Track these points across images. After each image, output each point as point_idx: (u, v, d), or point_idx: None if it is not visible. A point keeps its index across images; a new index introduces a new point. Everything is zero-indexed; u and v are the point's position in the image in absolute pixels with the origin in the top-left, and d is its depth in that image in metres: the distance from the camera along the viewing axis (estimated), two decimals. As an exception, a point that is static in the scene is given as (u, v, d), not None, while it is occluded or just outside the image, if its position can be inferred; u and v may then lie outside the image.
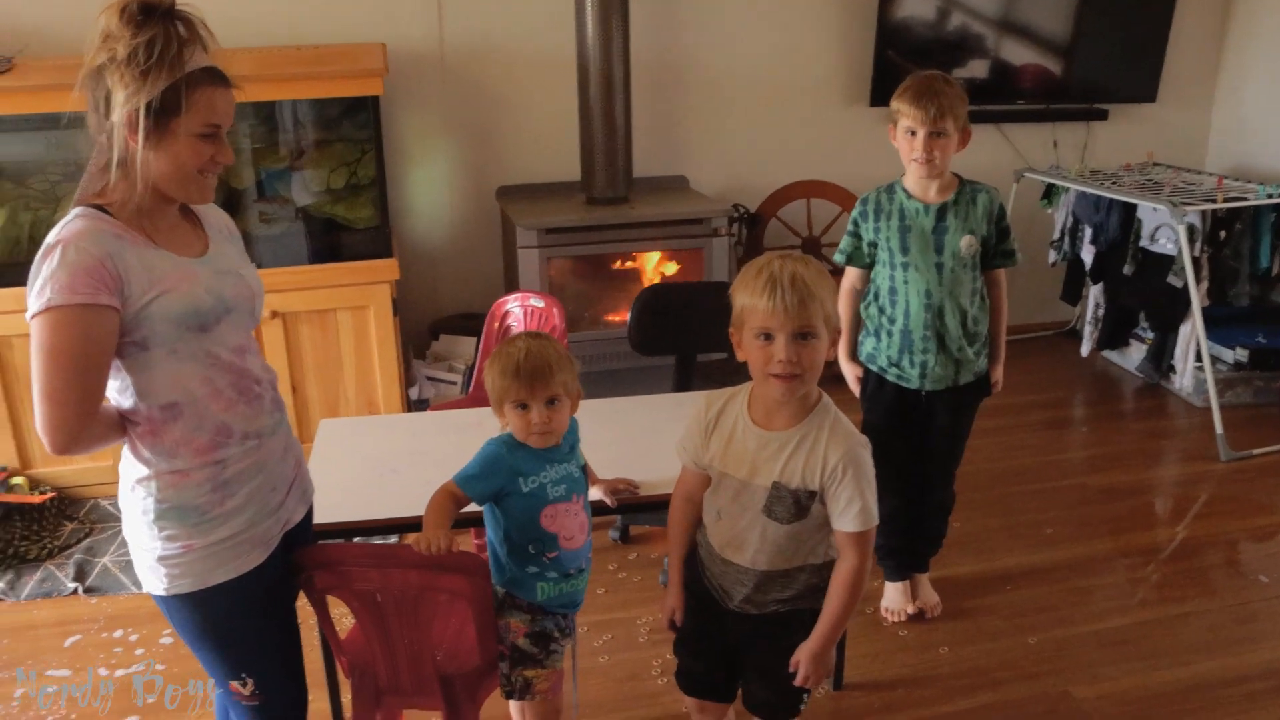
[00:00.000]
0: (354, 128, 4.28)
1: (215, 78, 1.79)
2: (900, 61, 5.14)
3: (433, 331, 4.96)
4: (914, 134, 2.82)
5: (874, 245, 3.00)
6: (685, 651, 2.26)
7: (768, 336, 1.90)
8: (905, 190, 2.94)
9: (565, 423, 2.12)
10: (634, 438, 2.86)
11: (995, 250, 2.95)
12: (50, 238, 1.74)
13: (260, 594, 1.97)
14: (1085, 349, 5.46)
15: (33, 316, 1.70)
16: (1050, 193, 5.41)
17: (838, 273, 3.02)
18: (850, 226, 3.06)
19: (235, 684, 2.00)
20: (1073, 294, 5.63)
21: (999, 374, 3.08)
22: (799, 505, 1.96)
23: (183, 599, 1.91)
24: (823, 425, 1.96)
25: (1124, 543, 3.71)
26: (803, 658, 2.04)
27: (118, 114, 1.73)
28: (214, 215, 2.03)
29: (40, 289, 1.70)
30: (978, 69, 5.33)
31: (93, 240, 1.72)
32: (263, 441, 1.95)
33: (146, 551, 1.90)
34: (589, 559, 2.24)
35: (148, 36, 1.70)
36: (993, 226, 2.91)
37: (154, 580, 1.91)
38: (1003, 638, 3.17)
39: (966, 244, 2.88)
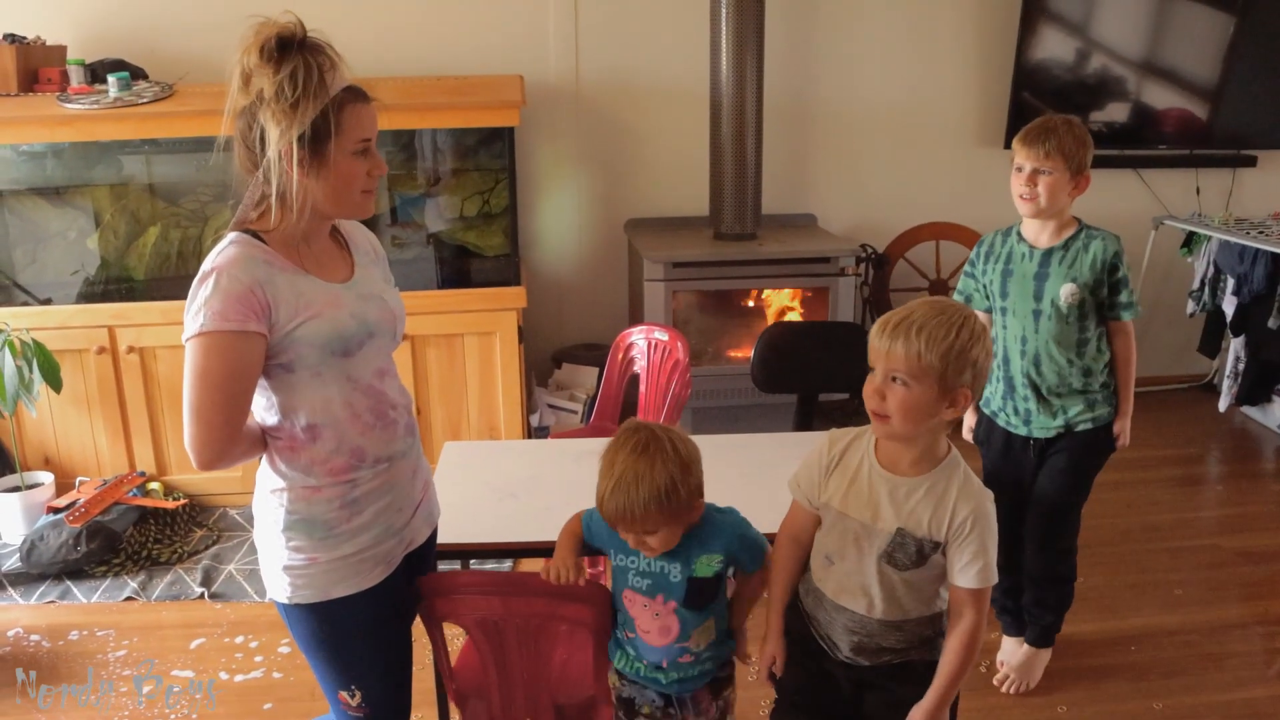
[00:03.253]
0: (489, 157, 4.38)
1: (358, 95, 1.86)
2: (1036, 103, 5.06)
3: (556, 360, 5.02)
4: (1020, 170, 2.80)
5: (986, 287, 2.96)
6: (792, 713, 2.14)
7: (872, 370, 1.88)
8: (1020, 233, 2.89)
9: (671, 540, 1.94)
10: (752, 475, 2.84)
11: (1108, 302, 2.82)
12: (206, 264, 1.81)
13: (378, 611, 2.02)
14: (1223, 404, 5.26)
15: (187, 339, 1.79)
16: (1190, 241, 5.25)
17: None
18: (967, 267, 3.03)
19: (344, 694, 2.05)
20: (1211, 346, 5.43)
21: (1123, 427, 2.94)
22: (920, 554, 1.92)
23: (304, 609, 1.97)
24: (953, 478, 1.92)
25: (1260, 610, 3.54)
26: (917, 718, 1.97)
27: (273, 149, 1.79)
28: (360, 236, 2.09)
29: (195, 313, 1.78)
30: (1117, 112, 5.21)
31: (244, 268, 1.79)
32: (393, 464, 2.00)
33: (273, 559, 1.96)
34: (680, 665, 2.05)
35: (289, 70, 1.76)
36: (1103, 276, 2.78)
37: (278, 587, 1.97)
38: (1126, 700, 3.06)
39: (1067, 293, 2.77)
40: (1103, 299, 2.82)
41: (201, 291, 1.78)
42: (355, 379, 1.92)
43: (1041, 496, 2.98)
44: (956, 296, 3.07)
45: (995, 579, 1.90)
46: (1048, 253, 2.82)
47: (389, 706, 2.11)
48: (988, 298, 2.97)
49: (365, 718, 2.08)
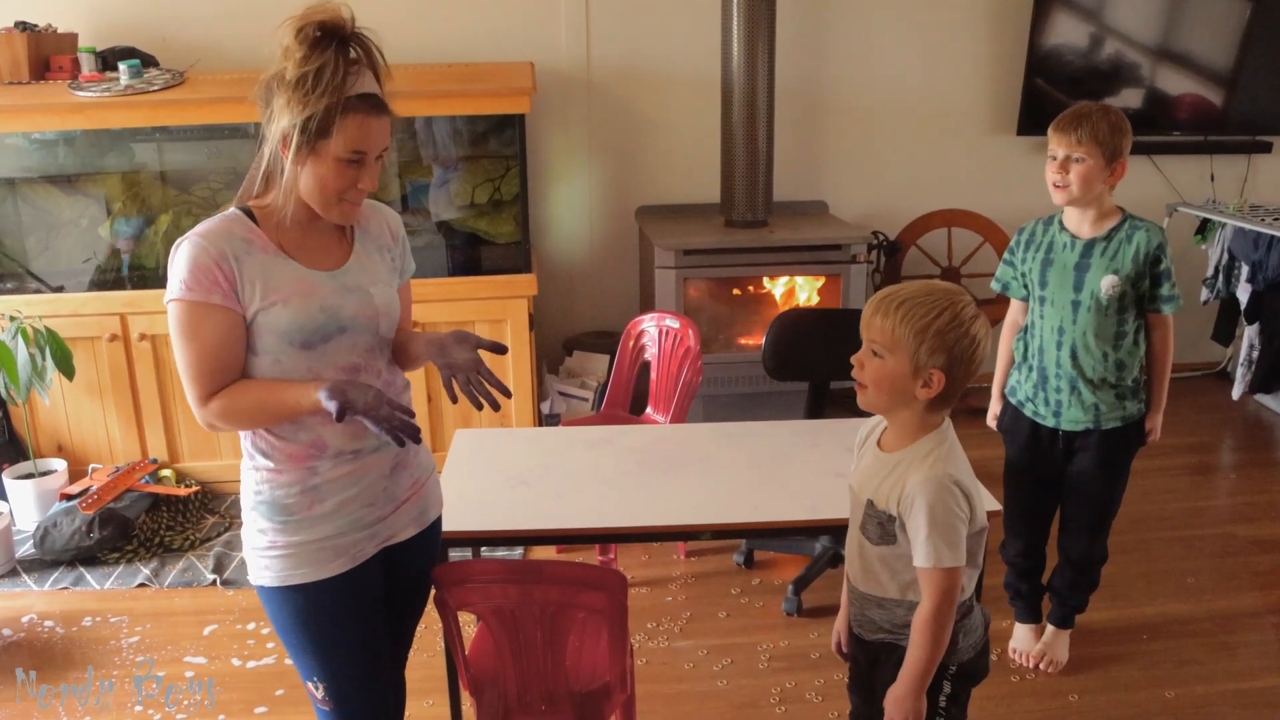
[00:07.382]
0: (500, 144, 4.37)
1: (372, 105, 1.81)
2: (1050, 90, 5.03)
3: (567, 347, 5.02)
4: (1054, 159, 2.77)
5: (1025, 276, 2.94)
6: (849, 682, 2.23)
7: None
8: (1062, 223, 2.87)
9: None
10: (764, 462, 2.85)
11: (1149, 294, 2.80)
12: (189, 231, 1.85)
13: (337, 603, 1.97)
14: (1237, 392, 5.24)
15: (165, 302, 1.84)
16: (1205, 228, 5.22)
17: (990, 303, 2.94)
18: (1006, 255, 3.01)
19: (310, 685, 2.03)
20: (1225, 334, 5.41)
21: (1155, 422, 2.93)
22: (883, 528, 1.93)
23: (268, 591, 1.97)
24: (921, 453, 1.91)
25: (1273, 598, 3.53)
26: (887, 701, 1.98)
27: (274, 127, 1.80)
28: (375, 223, 2.04)
29: (170, 278, 1.82)
30: (1131, 98, 5.18)
31: (215, 241, 1.82)
32: (361, 458, 1.95)
33: (246, 539, 1.98)
34: None
35: (316, 65, 1.73)
36: (1145, 268, 2.76)
37: (251, 567, 1.98)
38: (1138, 689, 3.05)
39: (1108, 284, 2.75)
40: (1144, 291, 2.80)
41: (176, 257, 1.81)
42: (318, 372, 1.88)
43: (1080, 490, 2.98)
44: (994, 285, 3.06)
45: (945, 563, 1.84)
46: (1090, 243, 2.80)
47: (354, 702, 2.05)
48: (1025, 287, 2.94)
49: (331, 711, 2.05)
